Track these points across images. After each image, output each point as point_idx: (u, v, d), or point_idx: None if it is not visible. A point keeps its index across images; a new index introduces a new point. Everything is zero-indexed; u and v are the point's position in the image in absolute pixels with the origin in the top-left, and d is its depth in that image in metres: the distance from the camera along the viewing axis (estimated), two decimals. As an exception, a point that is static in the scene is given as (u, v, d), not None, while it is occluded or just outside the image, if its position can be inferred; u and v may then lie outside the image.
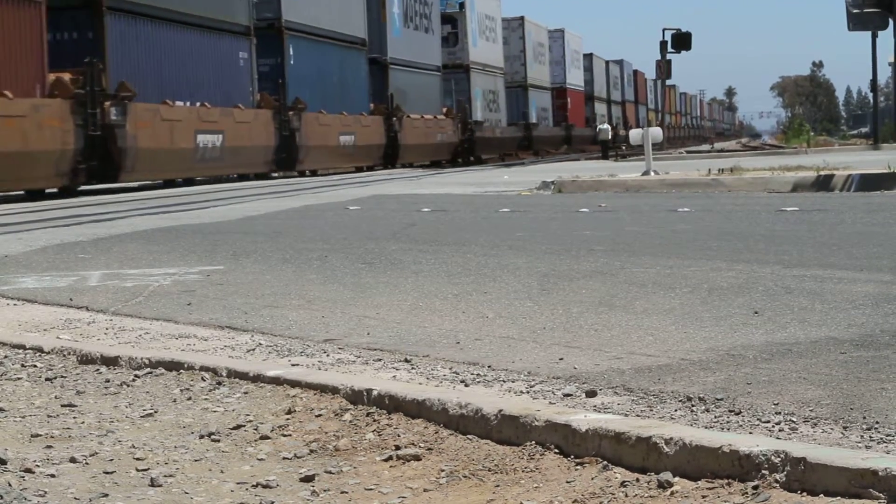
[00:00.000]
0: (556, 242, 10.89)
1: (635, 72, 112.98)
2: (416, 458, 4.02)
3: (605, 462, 3.69)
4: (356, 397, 4.58)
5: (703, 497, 3.36)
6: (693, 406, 4.37)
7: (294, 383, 4.87)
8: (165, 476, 3.90)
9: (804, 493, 3.24)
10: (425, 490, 3.77)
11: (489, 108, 59.13)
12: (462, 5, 55.67)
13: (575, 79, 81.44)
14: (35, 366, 5.66)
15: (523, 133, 65.60)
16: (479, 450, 4.00)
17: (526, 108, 67.32)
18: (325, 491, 3.79)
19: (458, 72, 55.09)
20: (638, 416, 4.21)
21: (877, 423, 4.02)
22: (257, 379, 5.03)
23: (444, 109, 52.37)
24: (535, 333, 6.09)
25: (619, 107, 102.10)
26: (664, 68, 53.00)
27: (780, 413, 4.21)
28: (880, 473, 3.14)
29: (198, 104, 31.53)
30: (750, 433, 3.93)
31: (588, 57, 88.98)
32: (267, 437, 4.33)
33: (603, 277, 8.15)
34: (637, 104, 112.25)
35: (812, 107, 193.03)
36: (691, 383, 4.75)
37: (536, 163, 51.51)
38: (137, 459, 4.09)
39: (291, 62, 37.08)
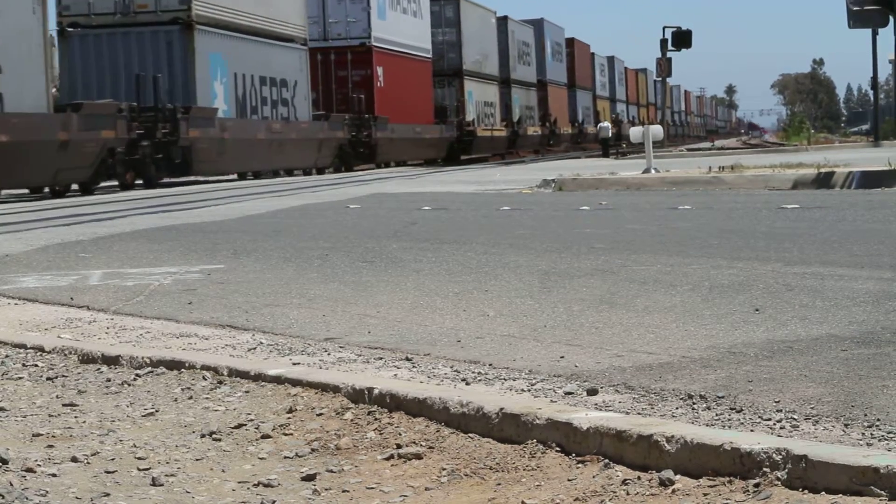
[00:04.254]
0: (557, 240, 10.88)
1: (571, 41, 74.39)
2: (418, 456, 4.02)
3: (607, 460, 3.69)
4: (357, 396, 4.59)
5: (705, 495, 3.36)
6: (694, 404, 4.37)
7: (295, 382, 4.87)
8: (167, 475, 3.90)
9: (805, 491, 3.24)
10: (426, 489, 3.77)
11: None
12: None
13: (403, 34, 46.21)
14: (36, 365, 5.66)
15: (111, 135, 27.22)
16: (480, 448, 4.00)
17: (186, 76, 31.30)
18: (326, 490, 3.79)
19: None
20: (639, 414, 4.21)
21: (878, 420, 4.02)
22: (258, 378, 5.04)
23: None
24: (536, 332, 6.09)
25: (535, 92, 66.43)
26: (665, 66, 53.05)
27: (781, 411, 4.21)
28: (881, 471, 3.14)
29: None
30: (751, 431, 3.93)
31: (450, 4, 51.25)
32: (268, 436, 4.33)
33: (604, 275, 8.15)
34: (575, 89, 75.76)
35: (812, 104, 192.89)
36: (692, 381, 4.75)
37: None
38: (139, 459, 4.09)
39: None
